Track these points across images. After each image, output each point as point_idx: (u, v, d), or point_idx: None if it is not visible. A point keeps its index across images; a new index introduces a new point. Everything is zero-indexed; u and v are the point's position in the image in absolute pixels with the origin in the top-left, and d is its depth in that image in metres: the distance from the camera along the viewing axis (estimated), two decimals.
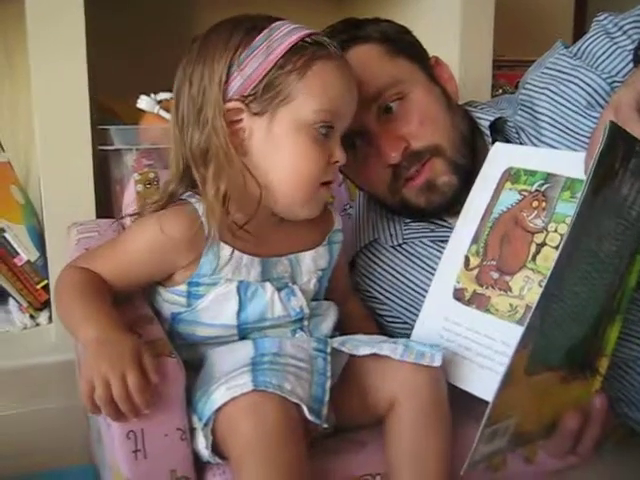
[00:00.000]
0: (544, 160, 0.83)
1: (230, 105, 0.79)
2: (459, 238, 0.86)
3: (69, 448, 1.18)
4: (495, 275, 0.81)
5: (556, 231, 0.79)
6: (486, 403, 0.67)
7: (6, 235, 1.22)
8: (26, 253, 1.22)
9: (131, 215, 0.92)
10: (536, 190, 0.81)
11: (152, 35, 1.43)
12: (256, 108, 0.79)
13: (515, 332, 0.77)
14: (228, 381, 0.74)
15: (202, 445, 0.76)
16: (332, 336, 0.86)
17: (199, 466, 0.78)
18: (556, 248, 0.78)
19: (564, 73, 0.95)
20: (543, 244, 0.79)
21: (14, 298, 1.23)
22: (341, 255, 0.95)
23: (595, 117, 0.91)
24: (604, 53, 0.92)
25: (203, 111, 0.80)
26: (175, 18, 1.41)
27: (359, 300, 1.02)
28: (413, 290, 1.00)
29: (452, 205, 0.94)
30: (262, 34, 0.79)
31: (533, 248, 0.79)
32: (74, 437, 1.17)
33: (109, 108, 1.36)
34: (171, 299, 0.84)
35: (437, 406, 0.79)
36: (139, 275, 0.83)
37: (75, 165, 1.17)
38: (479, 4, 1.41)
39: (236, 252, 0.81)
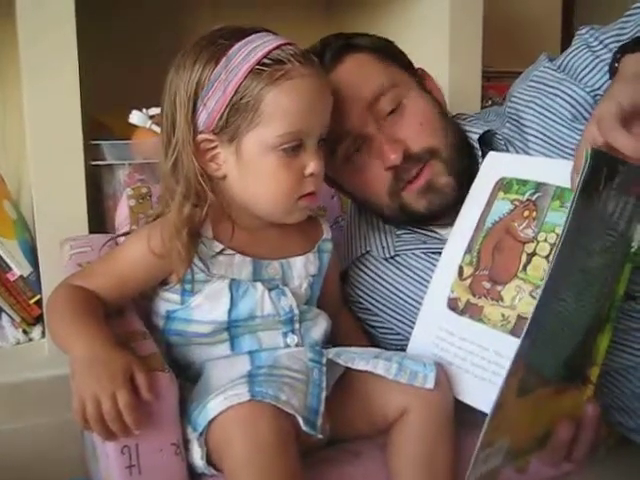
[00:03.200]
0: (535, 169, 0.84)
1: (201, 137, 0.82)
2: (453, 248, 0.86)
3: (64, 463, 1.17)
4: (487, 285, 0.82)
5: (546, 241, 0.79)
6: (482, 413, 0.67)
7: None
8: (19, 268, 1.21)
9: (123, 235, 0.94)
10: (527, 199, 0.82)
11: (146, 49, 1.43)
12: (225, 137, 0.82)
13: (507, 342, 0.77)
14: (225, 391, 0.74)
15: (197, 456, 0.77)
16: (324, 347, 0.86)
17: (194, 478, 0.78)
18: (546, 258, 0.78)
19: (549, 86, 0.96)
20: (533, 254, 0.79)
21: (7, 313, 1.22)
22: (333, 267, 0.95)
23: (580, 129, 0.91)
24: (587, 67, 0.93)
25: (174, 137, 0.82)
26: (170, 32, 1.41)
27: (351, 313, 1.03)
28: (405, 302, 1.01)
29: (449, 210, 0.94)
30: (220, 64, 0.80)
31: (524, 258, 0.79)
32: (69, 452, 1.16)
33: (101, 123, 1.36)
34: (166, 297, 0.85)
35: (446, 414, 0.80)
36: (133, 286, 0.85)
37: (67, 180, 1.17)
38: (467, 16, 1.42)
39: (228, 250, 0.84)
